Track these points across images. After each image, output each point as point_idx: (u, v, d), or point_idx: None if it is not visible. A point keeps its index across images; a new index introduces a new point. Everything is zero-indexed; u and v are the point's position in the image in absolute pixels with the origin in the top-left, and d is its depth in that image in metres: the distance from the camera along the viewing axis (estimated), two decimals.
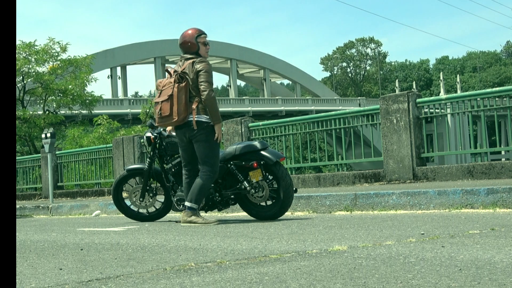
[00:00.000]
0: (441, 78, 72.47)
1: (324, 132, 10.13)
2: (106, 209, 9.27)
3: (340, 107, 60.41)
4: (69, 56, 23.68)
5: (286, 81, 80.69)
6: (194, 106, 5.47)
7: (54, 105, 23.81)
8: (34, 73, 22.97)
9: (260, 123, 10.90)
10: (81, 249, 3.90)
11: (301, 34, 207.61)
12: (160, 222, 6.35)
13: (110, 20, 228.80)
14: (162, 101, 5.50)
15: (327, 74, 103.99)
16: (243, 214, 6.49)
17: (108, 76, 56.68)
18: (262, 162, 5.71)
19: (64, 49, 23.41)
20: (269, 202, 5.83)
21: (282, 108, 60.93)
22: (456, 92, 67.72)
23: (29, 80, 23.27)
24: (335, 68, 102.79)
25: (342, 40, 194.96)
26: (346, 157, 10.02)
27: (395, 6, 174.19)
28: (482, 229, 3.80)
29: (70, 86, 22.88)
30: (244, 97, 63.35)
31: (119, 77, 58.11)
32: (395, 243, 3.30)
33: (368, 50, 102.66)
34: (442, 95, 41.15)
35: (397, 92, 33.48)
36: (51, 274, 2.82)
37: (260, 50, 72.74)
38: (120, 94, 57.91)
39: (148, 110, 26.42)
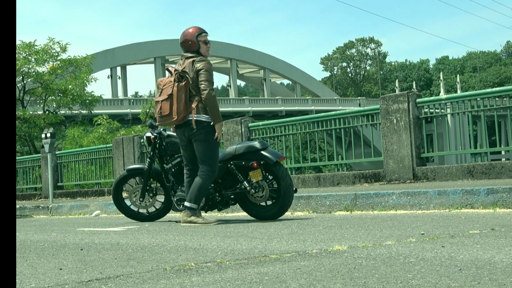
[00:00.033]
0: (441, 78, 72.47)
1: (324, 132, 10.13)
2: (106, 209, 9.27)
3: (340, 107, 60.41)
4: (69, 56, 23.71)
5: (286, 81, 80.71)
6: (193, 105, 5.46)
7: (54, 105, 23.80)
8: (34, 73, 22.97)
9: (260, 123, 10.89)
10: (81, 249, 3.90)
11: (301, 34, 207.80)
12: (160, 222, 6.35)
13: (110, 20, 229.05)
14: (162, 100, 5.50)
15: (327, 74, 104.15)
16: (243, 214, 6.49)
17: (108, 76, 56.68)
18: (262, 162, 5.71)
19: (64, 49, 23.41)
20: (269, 202, 5.82)
21: (282, 108, 60.93)
22: (456, 92, 67.71)
23: (29, 80, 23.27)
24: (335, 68, 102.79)
25: (342, 40, 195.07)
26: (346, 157, 10.02)
27: (395, 6, 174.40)
28: (482, 229, 3.80)
29: (70, 86, 22.88)
30: (244, 97, 63.34)
31: (119, 77, 58.11)
32: (395, 243, 3.30)
33: (368, 50, 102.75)
34: (442, 95, 41.16)
35: (397, 92, 33.47)
36: (51, 274, 2.82)
37: (260, 50, 72.86)
38: (120, 94, 57.90)
39: (148, 110, 26.40)
